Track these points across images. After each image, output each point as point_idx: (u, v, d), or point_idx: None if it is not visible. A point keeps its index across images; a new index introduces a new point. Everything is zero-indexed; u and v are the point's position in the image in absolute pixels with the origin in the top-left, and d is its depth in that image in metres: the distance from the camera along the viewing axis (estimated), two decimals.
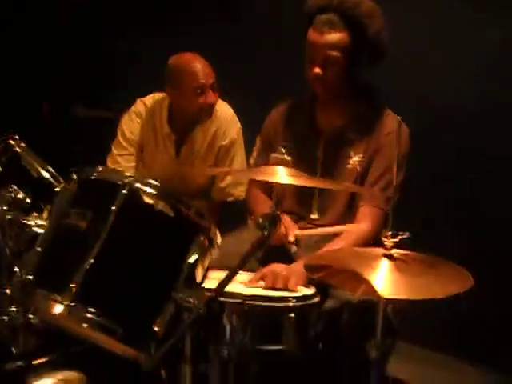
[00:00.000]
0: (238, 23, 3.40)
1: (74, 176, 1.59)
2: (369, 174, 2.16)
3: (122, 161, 2.70)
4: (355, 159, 2.20)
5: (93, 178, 1.57)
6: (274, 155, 1.47)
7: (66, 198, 1.56)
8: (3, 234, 1.69)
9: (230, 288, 1.77)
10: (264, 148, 2.33)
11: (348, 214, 2.20)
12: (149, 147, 2.73)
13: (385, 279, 1.58)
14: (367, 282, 1.59)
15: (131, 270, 1.46)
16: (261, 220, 1.43)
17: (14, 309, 1.67)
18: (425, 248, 1.66)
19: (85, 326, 1.40)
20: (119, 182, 1.49)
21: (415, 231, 1.58)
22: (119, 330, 1.41)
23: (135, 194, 1.48)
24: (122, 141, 2.71)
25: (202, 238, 1.53)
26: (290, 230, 2.10)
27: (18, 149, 1.97)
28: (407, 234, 1.63)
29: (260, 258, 2.20)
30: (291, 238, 2.08)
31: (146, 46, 3.60)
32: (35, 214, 1.69)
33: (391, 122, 2.16)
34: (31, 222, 1.67)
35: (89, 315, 1.41)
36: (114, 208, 1.45)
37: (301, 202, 2.26)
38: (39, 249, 1.54)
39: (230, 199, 2.74)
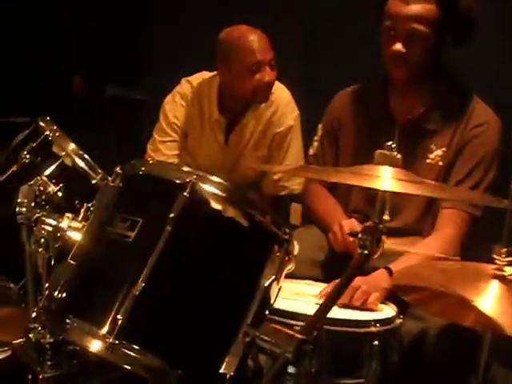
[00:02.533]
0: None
1: (119, 170, 1.25)
2: (454, 170, 1.91)
3: (163, 148, 2.41)
4: (437, 153, 1.95)
5: (142, 173, 1.23)
6: (379, 151, 1.13)
7: (109, 199, 1.23)
8: (29, 237, 1.38)
9: (295, 306, 1.51)
10: (328, 139, 2.09)
11: (426, 217, 1.94)
12: (194, 133, 2.44)
13: (495, 307, 1.27)
14: (478, 312, 1.28)
15: (192, 296, 1.13)
16: (361, 235, 1.10)
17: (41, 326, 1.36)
18: None
19: (129, 368, 1.07)
20: (178, 181, 1.15)
21: None
22: (175, 372, 1.08)
23: (199, 196, 1.13)
24: (164, 126, 2.42)
25: (278, 253, 1.19)
26: None
27: (49, 132, 1.69)
28: None
29: (322, 266, 1.94)
30: None
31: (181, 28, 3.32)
32: (68, 215, 1.36)
33: (481, 112, 1.91)
34: (63, 225, 1.35)
35: (136, 355, 1.08)
36: (172, 215, 1.11)
37: (369, 200, 1.95)
38: (73, 262, 1.20)
39: (283, 193, 2.46)
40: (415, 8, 1.80)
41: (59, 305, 1.18)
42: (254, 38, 2.22)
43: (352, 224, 1.84)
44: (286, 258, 1.22)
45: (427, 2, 1.80)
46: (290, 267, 1.26)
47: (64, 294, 1.19)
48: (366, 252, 1.12)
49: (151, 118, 2.55)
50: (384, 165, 1.10)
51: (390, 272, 1.74)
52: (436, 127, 1.91)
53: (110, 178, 1.28)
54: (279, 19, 3.00)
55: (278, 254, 1.19)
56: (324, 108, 2.14)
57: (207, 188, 1.15)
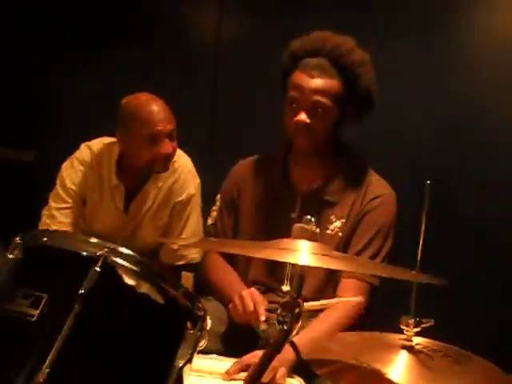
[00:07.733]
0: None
1: (18, 240, 1.15)
2: (353, 240, 1.96)
3: (59, 215, 2.28)
4: (336, 224, 1.99)
5: (45, 244, 1.14)
6: (298, 225, 1.13)
7: (8, 273, 1.12)
8: None
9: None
10: (227, 209, 2.09)
11: (326, 287, 1.95)
12: (93, 200, 2.33)
13: (405, 378, 1.28)
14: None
15: (103, 381, 1.04)
16: (280, 311, 1.08)
17: None
18: None
19: None
20: (88, 254, 1.08)
21: None
22: None
23: (111, 271, 1.07)
24: (61, 192, 2.29)
25: (192, 330, 1.14)
26: (260, 306, 1.79)
27: None
28: (432, 321, 1.35)
29: (223, 339, 1.90)
30: (262, 318, 1.75)
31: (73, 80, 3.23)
32: None
33: (377, 185, 1.99)
34: None
35: None
36: (82, 291, 1.03)
37: (270, 271, 1.99)
38: None
39: (181, 262, 2.38)
40: (319, 82, 1.85)
41: None
42: (154, 109, 2.13)
43: (252, 294, 1.82)
44: (199, 334, 1.17)
45: (330, 78, 1.86)
46: (203, 343, 1.21)
47: None
48: (285, 328, 1.09)
49: (41, 182, 2.42)
50: (302, 239, 1.09)
51: (294, 344, 1.72)
52: (335, 199, 1.95)
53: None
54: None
55: (191, 332, 1.14)
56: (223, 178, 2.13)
57: (119, 261, 1.08)
